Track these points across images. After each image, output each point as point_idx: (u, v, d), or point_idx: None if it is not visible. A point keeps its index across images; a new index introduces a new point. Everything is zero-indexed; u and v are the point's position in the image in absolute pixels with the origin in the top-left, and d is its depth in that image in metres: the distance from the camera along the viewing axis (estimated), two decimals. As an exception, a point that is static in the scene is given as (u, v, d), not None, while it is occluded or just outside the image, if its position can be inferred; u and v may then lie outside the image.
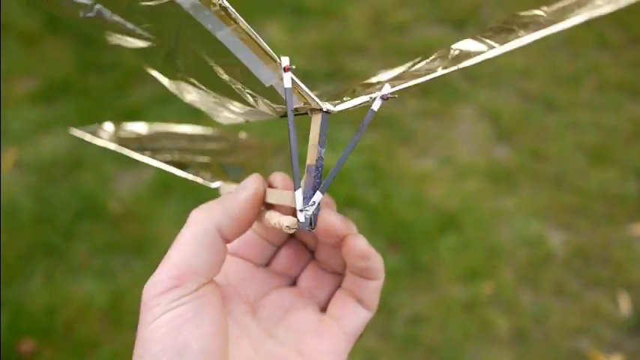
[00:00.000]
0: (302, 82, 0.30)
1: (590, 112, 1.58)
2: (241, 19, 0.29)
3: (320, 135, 0.30)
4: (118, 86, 1.64)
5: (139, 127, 0.49)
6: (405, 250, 1.28)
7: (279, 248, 0.39)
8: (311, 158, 0.31)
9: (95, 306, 1.17)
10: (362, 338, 0.34)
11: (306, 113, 0.32)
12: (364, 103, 0.31)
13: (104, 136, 0.45)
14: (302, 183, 0.31)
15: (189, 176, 0.41)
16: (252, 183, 0.34)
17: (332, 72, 1.69)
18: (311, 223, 0.31)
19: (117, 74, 1.66)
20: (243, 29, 0.29)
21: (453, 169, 1.44)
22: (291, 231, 0.32)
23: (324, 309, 0.37)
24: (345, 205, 1.32)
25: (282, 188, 0.35)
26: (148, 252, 1.23)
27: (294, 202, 0.31)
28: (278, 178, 0.35)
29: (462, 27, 1.79)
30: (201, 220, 0.33)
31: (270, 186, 0.35)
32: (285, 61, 0.28)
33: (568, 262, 1.28)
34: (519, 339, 1.16)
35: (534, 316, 1.19)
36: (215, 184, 0.41)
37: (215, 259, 0.32)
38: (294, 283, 0.39)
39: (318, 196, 0.31)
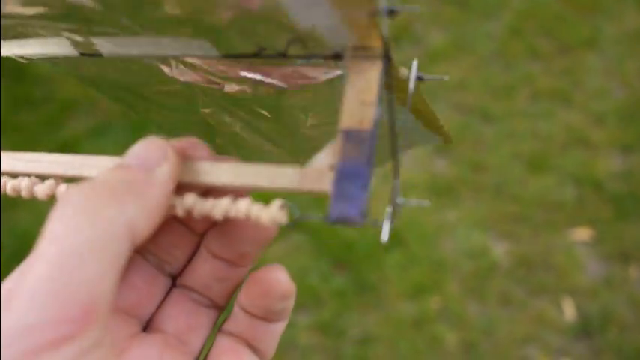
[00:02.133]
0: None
1: (525, 121, 1.61)
2: None
3: (379, 89, 0.22)
4: (51, 120, 1.61)
5: None
6: (350, 270, 1.27)
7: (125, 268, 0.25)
8: (360, 121, 0.22)
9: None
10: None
11: (335, 56, 0.22)
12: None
13: None
14: (333, 154, 0.22)
15: None
16: (163, 155, 0.22)
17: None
18: (365, 214, 0.21)
19: (49, 108, 1.63)
20: None
21: (394, 186, 1.44)
22: (276, 225, 0.22)
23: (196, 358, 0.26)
24: (289, 228, 1.31)
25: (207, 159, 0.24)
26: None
27: (304, 186, 0.21)
28: (197, 143, 0.24)
29: (397, 43, 1.81)
30: (104, 216, 0.19)
31: (184, 158, 0.24)
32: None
33: (512, 271, 1.30)
34: (468, 352, 1.17)
35: (482, 328, 1.20)
36: None
37: (118, 280, 0.20)
38: (146, 325, 0.26)
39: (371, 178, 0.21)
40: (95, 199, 0.20)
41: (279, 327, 0.25)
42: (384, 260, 1.29)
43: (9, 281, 0.21)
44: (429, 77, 0.24)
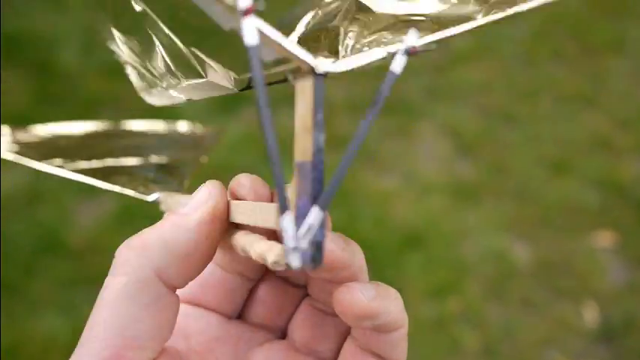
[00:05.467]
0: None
1: (549, 124, 1.60)
2: None
3: (314, 112, 0.19)
4: (77, 115, 1.62)
5: (46, 130, 0.37)
6: (371, 270, 1.26)
7: (255, 285, 0.27)
8: (304, 151, 0.20)
9: (59, 342, 1.14)
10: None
11: (285, 79, 0.21)
12: (377, 60, 0.20)
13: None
14: (290, 193, 0.20)
15: (115, 188, 0.31)
16: (207, 197, 0.23)
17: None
18: (315, 260, 0.19)
19: (74, 105, 1.64)
20: None
21: (416, 187, 1.44)
22: (281, 267, 0.20)
23: None
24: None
25: (252, 198, 0.23)
26: (112, 284, 1.21)
27: (278, 224, 0.19)
28: (244, 182, 0.24)
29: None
30: (132, 265, 0.22)
31: (235, 197, 0.24)
32: None
33: (533, 274, 1.29)
34: (488, 354, 1.16)
35: (502, 331, 1.19)
36: (152, 197, 0.31)
37: (162, 319, 0.22)
38: (282, 333, 0.27)
39: (316, 215, 0.19)
40: (133, 249, 0.22)
41: (397, 335, 0.23)
42: (405, 261, 1.29)
43: None
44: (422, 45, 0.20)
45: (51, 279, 1.24)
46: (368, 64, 0.20)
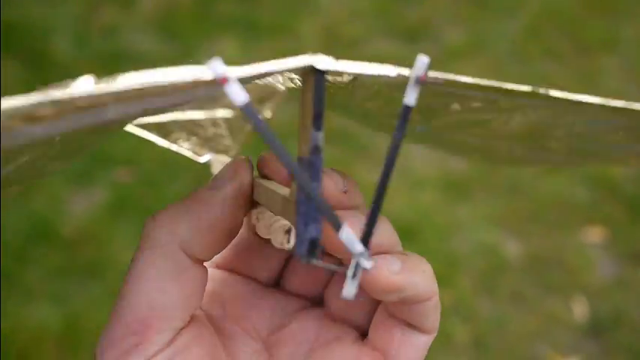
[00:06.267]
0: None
1: (540, 121, 1.61)
2: None
3: (313, 109, 0.19)
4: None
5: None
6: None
7: (291, 254, 0.27)
8: (304, 148, 0.20)
9: (50, 331, 1.14)
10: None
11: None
12: (383, 76, 0.19)
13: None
14: (291, 187, 0.21)
15: (173, 147, 0.30)
16: (232, 174, 0.23)
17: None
18: (309, 255, 0.20)
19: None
20: None
21: (408, 181, 1.45)
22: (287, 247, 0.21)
23: (365, 333, 0.26)
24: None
25: (275, 177, 0.24)
26: (104, 273, 1.21)
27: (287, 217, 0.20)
28: (268, 159, 0.24)
29: (414, 40, 1.81)
30: (158, 239, 0.22)
31: (263, 173, 0.24)
32: (217, 66, 0.16)
33: (523, 268, 1.30)
34: (478, 347, 1.17)
35: (493, 324, 1.20)
36: (204, 158, 0.30)
37: (188, 290, 0.23)
38: (318, 301, 0.27)
39: (311, 213, 0.20)
40: (159, 223, 0.23)
41: (427, 305, 0.23)
42: (397, 254, 1.29)
43: None
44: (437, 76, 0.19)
45: (43, 268, 1.24)
46: (372, 75, 0.19)
